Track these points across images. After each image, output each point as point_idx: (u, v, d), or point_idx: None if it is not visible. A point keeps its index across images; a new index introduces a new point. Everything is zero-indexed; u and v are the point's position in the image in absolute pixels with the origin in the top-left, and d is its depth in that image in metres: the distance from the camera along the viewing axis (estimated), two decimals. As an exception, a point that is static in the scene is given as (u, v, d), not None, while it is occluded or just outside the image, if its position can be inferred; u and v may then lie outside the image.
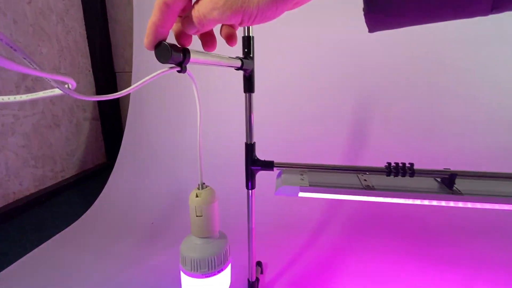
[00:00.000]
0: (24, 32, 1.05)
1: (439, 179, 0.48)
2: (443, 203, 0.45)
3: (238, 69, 0.42)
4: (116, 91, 1.40)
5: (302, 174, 0.51)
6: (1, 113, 0.98)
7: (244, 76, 0.47)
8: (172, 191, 1.04)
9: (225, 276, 0.38)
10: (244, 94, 0.48)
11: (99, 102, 1.45)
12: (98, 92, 1.44)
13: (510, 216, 0.80)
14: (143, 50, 1.28)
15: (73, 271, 0.71)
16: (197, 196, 0.36)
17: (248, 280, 0.61)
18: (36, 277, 0.69)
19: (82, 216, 0.98)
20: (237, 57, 0.41)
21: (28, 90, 1.07)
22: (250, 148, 0.51)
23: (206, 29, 0.23)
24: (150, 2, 1.22)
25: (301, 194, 0.48)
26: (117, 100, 1.53)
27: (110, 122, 1.50)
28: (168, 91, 1.21)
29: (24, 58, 0.19)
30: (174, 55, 0.25)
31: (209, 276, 0.35)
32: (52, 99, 1.18)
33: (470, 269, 0.69)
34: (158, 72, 0.27)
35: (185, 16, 0.23)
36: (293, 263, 0.72)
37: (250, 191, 0.53)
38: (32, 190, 1.11)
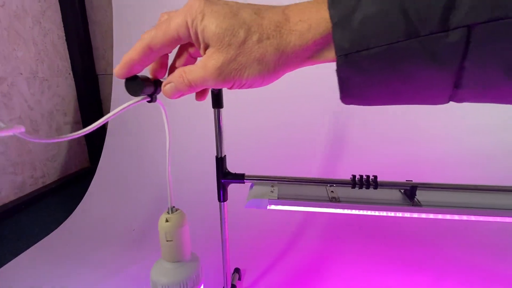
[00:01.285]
0: (-3, 36, 1.02)
1: (402, 191, 0.49)
2: (404, 214, 0.47)
3: None
4: (98, 94, 1.37)
5: (272, 186, 0.52)
6: (-25, 120, 0.95)
7: (212, 92, 0.48)
8: (154, 197, 1.04)
9: None
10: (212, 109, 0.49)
11: (80, 105, 1.42)
12: (80, 95, 1.41)
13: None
14: (123, 52, 1.27)
15: (51, 282, 0.71)
16: (167, 221, 0.35)
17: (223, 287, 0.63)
18: (13, 289, 0.69)
19: (63, 223, 0.97)
20: None
21: (4, 96, 1.04)
22: (220, 161, 0.51)
23: (192, 92, 0.25)
24: (130, 2, 1.20)
25: (270, 207, 0.49)
26: (99, 102, 1.51)
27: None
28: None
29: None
30: (146, 89, 0.26)
31: None
32: (29, 104, 1.16)
33: (439, 270, 0.72)
34: (129, 103, 0.28)
35: (167, 82, 0.25)
36: (271, 269, 0.74)
37: (222, 203, 0.54)
38: (12, 198, 1.09)
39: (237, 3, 0.22)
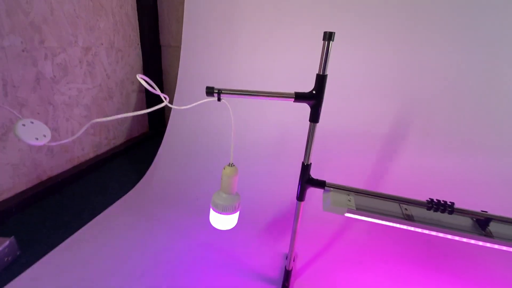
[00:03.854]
0: (85, 7, 1.10)
1: (474, 219, 0.53)
2: (474, 242, 0.51)
3: (296, 100, 0.48)
4: (161, 65, 1.46)
5: (348, 195, 0.58)
6: (69, 86, 1.08)
7: (311, 108, 0.52)
8: (214, 166, 1.15)
9: (235, 216, 0.59)
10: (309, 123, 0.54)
11: (145, 75, 1.52)
12: (145, 64, 1.51)
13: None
14: (192, 25, 1.27)
15: (134, 237, 0.86)
16: (225, 169, 0.56)
17: (285, 268, 0.73)
18: (106, 237, 0.85)
19: (137, 185, 1.12)
20: (292, 92, 0.48)
21: (89, 65, 1.16)
22: (306, 168, 0.57)
23: None
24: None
25: (347, 215, 0.55)
26: (160, 73, 1.60)
27: (154, 94, 1.59)
28: (215, 70, 1.22)
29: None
30: (215, 94, 0.51)
31: (225, 214, 0.57)
32: (107, 72, 1.27)
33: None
34: (207, 99, 0.52)
35: None
36: (321, 255, 0.83)
37: (300, 202, 0.61)
38: (92, 155, 1.26)
39: None
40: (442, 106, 0.99)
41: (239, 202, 0.59)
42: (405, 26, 0.97)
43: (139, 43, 1.46)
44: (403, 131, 1.03)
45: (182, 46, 1.30)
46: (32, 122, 0.49)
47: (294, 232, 0.66)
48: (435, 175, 0.99)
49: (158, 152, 1.24)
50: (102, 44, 1.22)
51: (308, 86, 0.52)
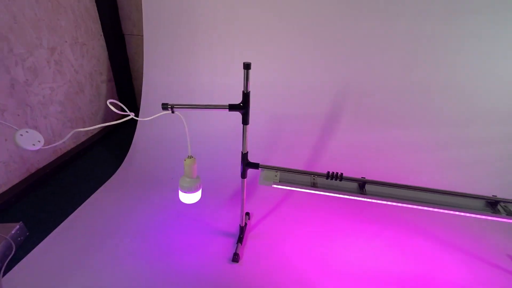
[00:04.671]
0: (45, 8, 1.15)
1: (358, 183, 0.78)
2: (357, 198, 0.77)
3: (230, 110, 0.68)
4: (126, 53, 1.57)
5: (276, 172, 0.81)
6: (41, 87, 1.18)
7: (243, 115, 0.72)
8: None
9: (197, 194, 0.79)
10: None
11: (112, 65, 1.60)
12: (110, 55, 1.58)
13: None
14: (153, 14, 1.32)
15: (122, 212, 1.07)
16: (186, 161, 0.75)
17: (240, 225, 0.98)
18: (98, 216, 1.05)
19: (117, 171, 1.30)
20: (227, 104, 0.67)
21: (57, 63, 1.24)
22: (245, 155, 0.79)
23: None
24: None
25: (274, 186, 0.78)
26: (127, 61, 1.67)
27: (123, 82, 1.68)
28: (179, 49, 1.33)
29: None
30: (168, 109, 0.68)
31: (190, 193, 0.76)
32: (75, 68, 1.35)
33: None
34: (162, 113, 0.69)
35: None
36: (269, 214, 1.09)
37: (243, 179, 0.84)
38: (72, 146, 1.40)
39: None
40: (370, 92, 1.22)
41: (200, 183, 0.79)
42: (345, 26, 1.15)
43: (102, 34, 1.51)
44: (338, 112, 1.26)
45: (144, 36, 1.37)
46: (27, 132, 0.63)
47: (242, 200, 0.89)
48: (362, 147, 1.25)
49: (133, 142, 1.40)
50: (66, 41, 1.28)
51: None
